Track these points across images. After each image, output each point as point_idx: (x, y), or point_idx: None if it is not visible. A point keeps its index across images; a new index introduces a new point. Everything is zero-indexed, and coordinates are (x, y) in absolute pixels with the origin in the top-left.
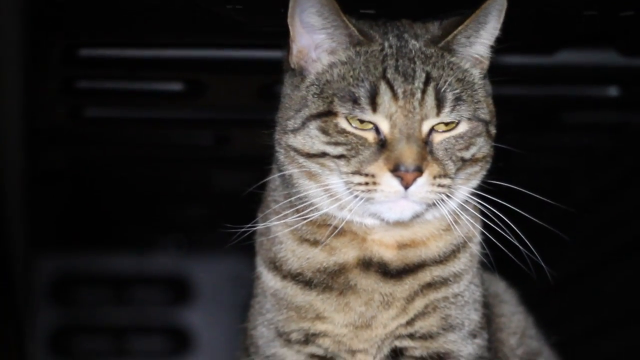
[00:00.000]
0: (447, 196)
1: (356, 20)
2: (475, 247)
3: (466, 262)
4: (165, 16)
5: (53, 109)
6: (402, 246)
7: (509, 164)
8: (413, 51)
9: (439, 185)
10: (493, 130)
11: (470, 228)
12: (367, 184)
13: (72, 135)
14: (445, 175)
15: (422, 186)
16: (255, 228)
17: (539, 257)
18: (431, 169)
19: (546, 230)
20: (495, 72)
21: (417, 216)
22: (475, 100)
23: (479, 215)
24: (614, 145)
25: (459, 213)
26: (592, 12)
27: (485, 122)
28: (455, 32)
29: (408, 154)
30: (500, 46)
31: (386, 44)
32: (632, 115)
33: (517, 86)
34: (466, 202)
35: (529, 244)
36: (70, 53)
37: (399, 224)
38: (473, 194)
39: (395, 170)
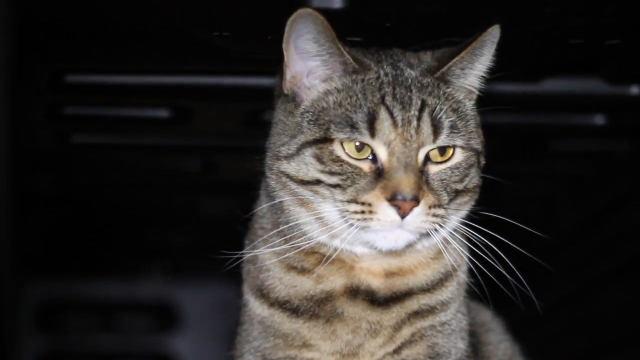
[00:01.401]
0: (440, 226)
1: (349, 48)
2: (462, 276)
3: (453, 291)
4: (152, 43)
5: (40, 135)
6: (389, 274)
7: (495, 193)
8: (409, 80)
9: (434, 215)
10: (483, 161)
11: (458, 257)
12: (363, 212)
13: (59, 161)
14: (440, 206)
15: (418, 216)
16: (242, 255)
17: (527, 287)
18: (427, 199)
19: (531, 259)
20: (481, 101)
21: (409, 245)
22: (469, 130)
23: (466, 244)
24: (599, 173)
25: (447, 242)
26: (578, 40)
27: (477, 152)
28: (450, 63)
29: (406, 183)
30: (490, 77)
31: (382, 72)
32: (618, 144)
33: (503, 114)
34: (455, 231)
35: (517, 274)
36: (57, 79)
37: (389, 252)
38: (461, 223)
39: (392, 199)
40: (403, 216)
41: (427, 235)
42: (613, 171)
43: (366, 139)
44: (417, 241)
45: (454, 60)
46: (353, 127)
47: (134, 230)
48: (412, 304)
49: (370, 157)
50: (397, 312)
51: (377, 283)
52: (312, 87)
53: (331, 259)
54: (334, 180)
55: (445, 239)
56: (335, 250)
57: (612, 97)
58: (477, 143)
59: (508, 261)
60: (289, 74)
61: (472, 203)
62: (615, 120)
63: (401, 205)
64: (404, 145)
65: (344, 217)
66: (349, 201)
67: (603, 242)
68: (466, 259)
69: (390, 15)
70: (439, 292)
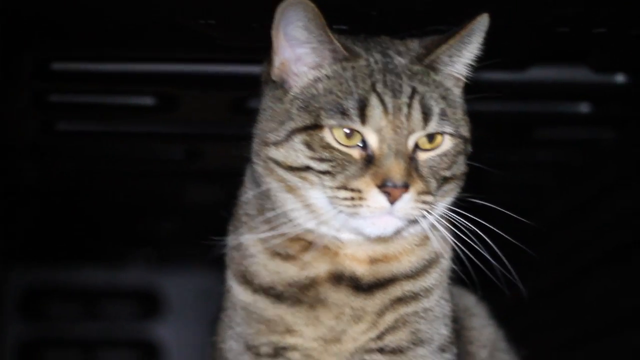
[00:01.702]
0: (428, 212)
1: (339, 36)
2: (446, 263)
3: (437, 277)
4: (137, 30)
5: (25, 123)
6: (374, 261)
7: (481, 181)
8: (399, 67)
9: (423, 202)
10: (469, 149)
11: (443, 243)
12: (352, 198)
13: (44, 149)
14: (428, 192)
15: (408, 202)
16: (226, 241)
17: (513, 273)
18: (417, 186)
19: (517, 246)
20: (468, 88)
21: (397, 232)
22: (457, 118)
23: (450, 230)
24: (585, 161)
25: (434, 228)
26: (564, 28)
27: (465, 139)
28: (438, 51)
29: (397, 169)
30: (477, 64)
31: (372, 60)
32: (604, 132)
33: (489, 102)
34: (441, 217)
35: (504, 260)
36: (42, 67)
37: (376, 239)
38: (448, 210)
39: (382, 186)
40: (393, 202)
41: (414, 222)
42: (599, 159)
43: (357, 125)
44: (405, 228)
45: (443, 47)
46: (344, 113)
47: (118, 218)
48: (396, 291)
49: (360, 144)
50: (380, 299)
51: (361, 269)
52: (301, 74)
53: (317, 246)
54: (323, 166)
55: (432, 226)
56: (322, 236)
57: (598, 85)
58: (465, 130)
59: (494, 247)
60: (277, 61)
61: (458, 190)
62: (602, 108)
63: (391, 191)
64: (394, 132)
65: (333, 203)
66: (339, 187)
67: (589, 230)
68: (451, 246)
69: (376, 4)
70: (423, 279)
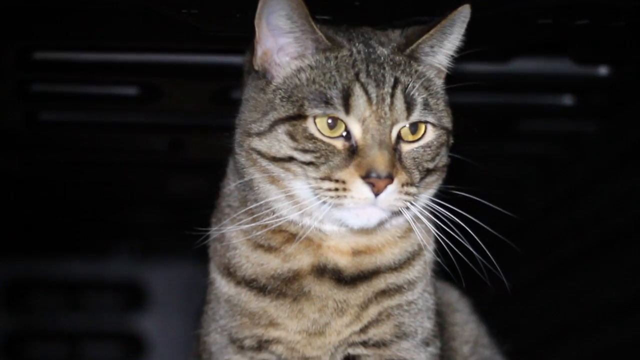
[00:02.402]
0: (411, 204)
1: (321, 25)
2: (429, 255)
3: (420, 270)
4: (120, 20)
5: (7, 113)
6: (357, 253)
7: (464, 173)
8: (382, 57)
9: (406, 194)
10: (452, 140)
11: (425, 235)
12: (337, 189)
13: (26, 139)
14: (411, 184)
15: (392, 194)
16: (209, 233)
17: (496, 266)
18: (400, 177)
19: (499, 239)
20: (450, 80)
21: (381, 224)
22: (440, 109)
23: (433, 223)
24: (568, 154)
25: (417, 220)
26: (546, 20)
27: (448, 130)
28: (420, 41)
29: (381, 160)
30: (459, 55)
31: (354, 50)
32: (586, 124)
33: (472, 94)
34: (423, 209)
35: (488, 253)
36: (25, 56)
37: (359, 231)
38: (430, 202)
39: (366, 176)
40: (377, 194)
41: (398, 213)
42: (581, 151)
43: (341, 115)
44: (388, 219)
45: (424, 37)
46: (327, 103)
47: (101, 209)
48: (380, 283)
49: (343, 134)
50: (364, 291)
51: (344, 262)
52: (284, 64)
53: (301, 237)
54: (307, 157)
55: (415, 217)
56: (305, 228)
57: (581, 77)
58: (447, 122)
59: (477, 239)
60: (260, 50)
61: (440, 182)
62: (584, 100)
63: (375, 182)
64: (378, 122)
65: (316, 194)
66: (322, 178)
67: (572, 223)
68: (433, 238)
69: None
70: (406, 271)
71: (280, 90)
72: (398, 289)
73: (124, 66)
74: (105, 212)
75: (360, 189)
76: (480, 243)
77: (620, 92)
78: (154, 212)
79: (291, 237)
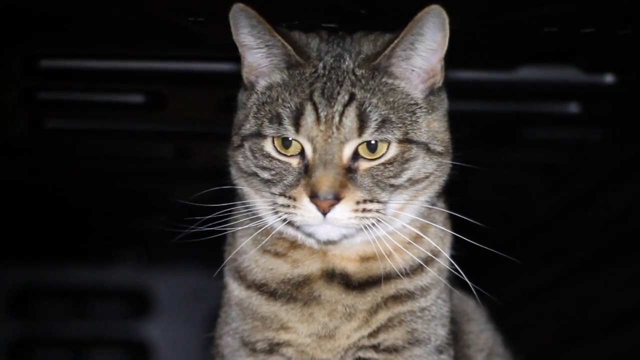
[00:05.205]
0: (378, 220)
1: (306, 35)
2: (443, 262)
3: (434, 277)
4: (127, 28)
5: (13, 120)
6: (365, 259)
7: (469, 181)
8: (345, 72)
9: (365, 210)
10: (438, 148)
11: (439, 243)
12: (289, 206)
13: (32, 147)
14: (373, 200)
15: (342, 212)
16: (221, 238)
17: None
18: (352, 196)
19: (502, 249)
20: (456, 88)
21: (346, 238)
22: (410, 122)
23: (448, 231)
24: (573, 162)
25: (426, 227)
26: (552, 28)
27: (422, 143)
28: (386, 51)
29: (323, 181)
30: (457, 61)
31: (320, 65)
32: (592, 132)
33: (478, 102)
34: (433, 218)
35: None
36: (31, 64)
37: (327, 242)
38: (427, 209)
39: (312, 196)
40: (324, 213)
41: (366, 228)
42: (587, 159)
43: (291, 134)
44: (357, 234)
45: (392, 45)
46: (280, 123)
47: (108, 216)
48: (389, 288)
49: (299, 153)
50: (372, 296)
51: (352, 267)
52: (259, 79)
53: (297, 244)
54: (265, 175)
55: (424, 225)
56: (292, 235)
57: (587, 85)
58: (420, 134)
59: (477, 243)
60: (244, 64)
61: (435, 188)
62: (590, 108)
63: (319, 203)
64: (325, 142)
65: (274, 209)
66: (279, 194)
67: (577, 230)
68: (448, 246)
69: (365, 3)
70: (419, 277)
71: (254, 106)
72: (410, 295)
73: (130, 74)
74: (111, 219)
75: (307, 207)
76: (481, 245)
77: (626, 100)
78: (160, 219)
79: (295, 243)
